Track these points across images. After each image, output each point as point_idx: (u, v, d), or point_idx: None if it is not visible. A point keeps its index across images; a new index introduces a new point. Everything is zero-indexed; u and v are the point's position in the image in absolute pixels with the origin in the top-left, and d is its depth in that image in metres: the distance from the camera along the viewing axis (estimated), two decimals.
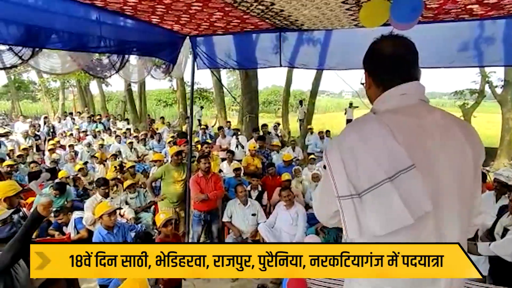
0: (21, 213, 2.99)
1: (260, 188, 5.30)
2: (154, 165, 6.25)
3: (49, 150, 7.84)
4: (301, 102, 15.14)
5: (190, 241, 4.34)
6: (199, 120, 14.61)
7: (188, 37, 3.59)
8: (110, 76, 3.82)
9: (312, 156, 7.10)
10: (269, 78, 62.33)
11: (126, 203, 5.09)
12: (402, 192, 0.91)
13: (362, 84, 1.18)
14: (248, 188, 5.17)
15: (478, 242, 2.94)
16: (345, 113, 15.59)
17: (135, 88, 16.19)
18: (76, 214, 4.36)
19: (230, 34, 3.47)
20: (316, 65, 3.44)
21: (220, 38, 3.58)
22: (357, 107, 14.29)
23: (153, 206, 5.17)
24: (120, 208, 4.78)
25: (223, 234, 4.63)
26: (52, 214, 4.41)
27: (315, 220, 4.74)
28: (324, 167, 1.03)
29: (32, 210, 2.17)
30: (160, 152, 7.38)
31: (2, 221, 2.14)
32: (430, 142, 0.97)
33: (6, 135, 9.05)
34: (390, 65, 1.05)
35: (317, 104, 15.72)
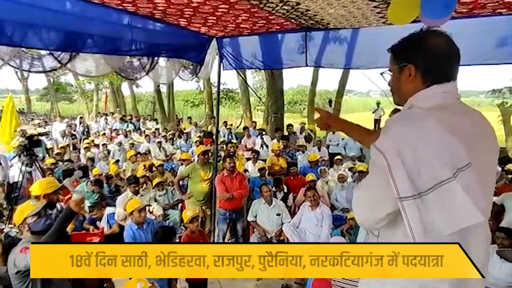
0: (58, 207, 3.19)
1: (286, 189, 5.29)
2: (182, 164, 6.42)
3: (84, 148, 8.27)
4: (330, 102, 14.89)
5: (216, 239, 4.43)
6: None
7: (214, 38, 3.66)
8: (140, 78, 3.97)
9: (338, 157, 6.94)
10: (295, 78, 62.12)
11: (155, 200, 5.27)
12: (464, 189, 0.88)
13: (390, 85, 1.19)
14: (274, 188, 5.17)
15: None
16: (374, 112, 15.30)
17: (163, 89, 16.66)
18: (108, 210, 4.58)
19: (256, 35, 3.50)
20: (343, 64, 3.36)
21: (246, 38, 3.61)
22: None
23: (180, 204, 5.32)
24: (149, 205, 4.96)
25: (248, 233, 4.67)
26: (87, 209, 4.66)
27: (341, 221, 4.68)
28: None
29: (66, 206, 2.29)
30: (187, 151, 7.56)
31: (37, 214, 2.28)
32: (475, 141, 0.97)
33: (46, 134, 9.64)
34: (445, 62, 1.06)
35: (344, 104, 15.42)
